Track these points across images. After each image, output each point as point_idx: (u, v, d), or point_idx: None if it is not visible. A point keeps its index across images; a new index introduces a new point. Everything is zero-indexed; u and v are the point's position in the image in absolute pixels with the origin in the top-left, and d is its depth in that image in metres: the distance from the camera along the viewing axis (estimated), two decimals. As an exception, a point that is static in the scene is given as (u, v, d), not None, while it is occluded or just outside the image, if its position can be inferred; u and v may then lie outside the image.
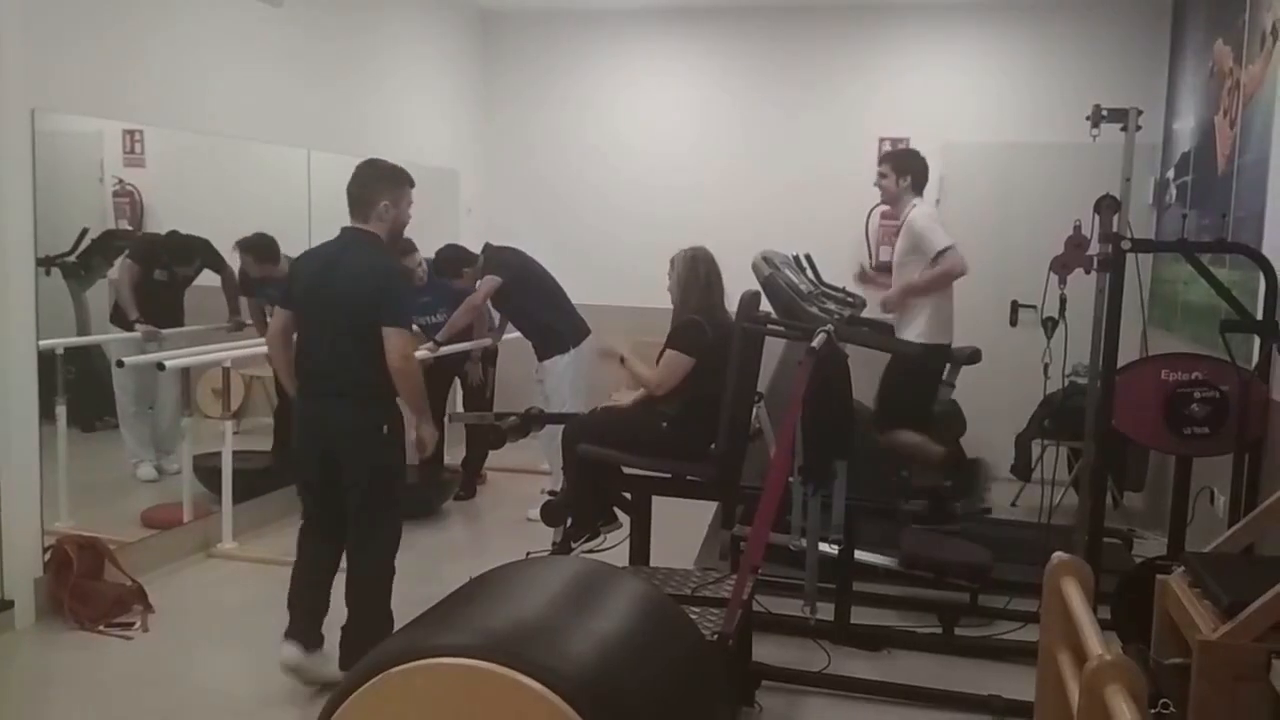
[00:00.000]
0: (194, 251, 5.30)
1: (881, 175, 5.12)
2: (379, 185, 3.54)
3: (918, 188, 5.08)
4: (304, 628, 3.57)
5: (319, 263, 3.56)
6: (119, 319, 5.08)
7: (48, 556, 4.14)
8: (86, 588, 4.09)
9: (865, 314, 5.52)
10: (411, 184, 3.65)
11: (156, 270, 5.17)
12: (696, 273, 4.11)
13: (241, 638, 4.03)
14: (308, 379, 3.55)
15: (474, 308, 5.71)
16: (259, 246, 5.33)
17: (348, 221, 3.58)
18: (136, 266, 5.09)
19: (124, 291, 5.06)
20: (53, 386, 4.47)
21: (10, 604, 3.97)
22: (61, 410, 4.56)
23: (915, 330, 4.95)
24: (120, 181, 5.07)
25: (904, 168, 5.06)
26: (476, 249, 5.90)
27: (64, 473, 4.51)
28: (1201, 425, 3.72)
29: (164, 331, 5.12)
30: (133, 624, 4.06)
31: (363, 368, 3.42)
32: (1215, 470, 3.94)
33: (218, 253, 5.38)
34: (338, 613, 3.61)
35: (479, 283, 5.66)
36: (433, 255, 5.84)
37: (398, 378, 3.40)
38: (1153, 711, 2.29)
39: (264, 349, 5.30)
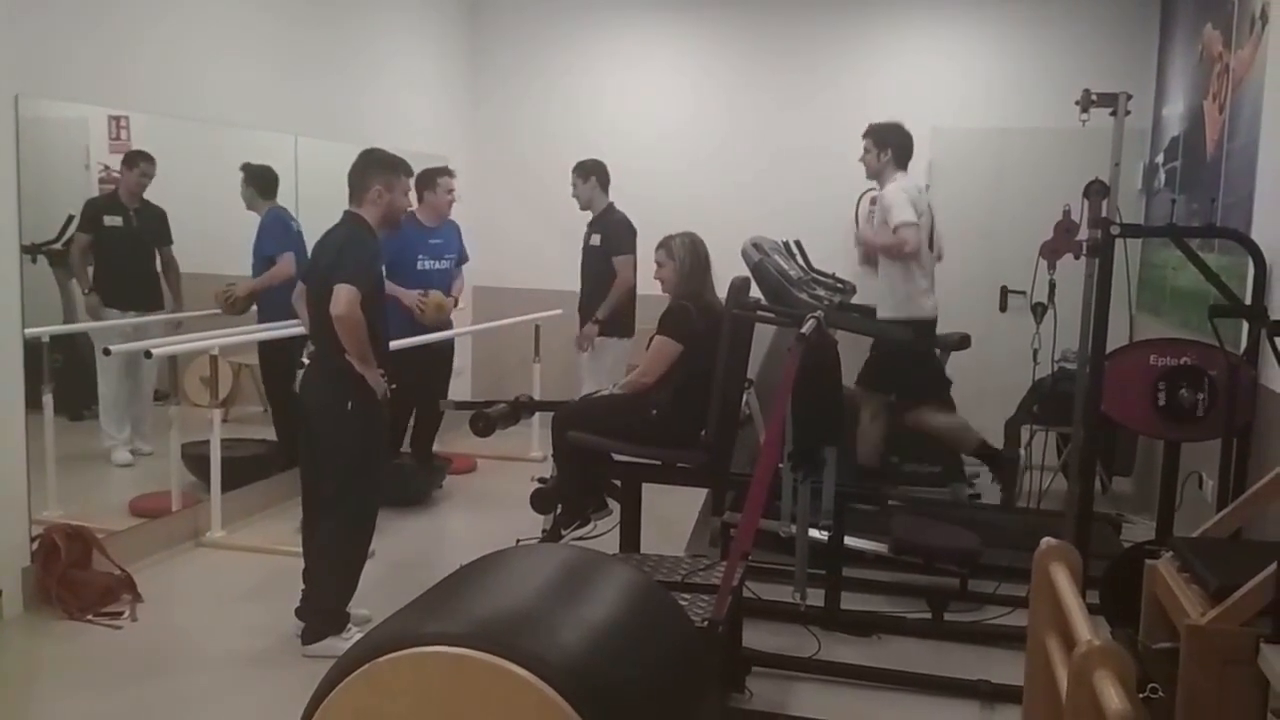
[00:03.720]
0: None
1: (865, 149, 5.13)
2: (374, 172, 3.77)
3: (900, 162, 5.10)
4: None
5: (317, 245, 3.81)
6: (104, 296, 4.95)
7: (35, 546, 4.12)
8: (75, 577, 4.07)
9: (855, 299, 5.54)
10: (409, 174, 3.89)
11: (106, 216, 4.92)
12: (699, 260, 4.10)
13: (231, 627, 4.02)
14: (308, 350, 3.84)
15: (629, 288, 5.79)
16: None
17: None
18: (85, 235, 4.77)
19: (76, 260, 4.73)
20: (39, 375, 4.44)
21: (-2, 593, 3.96)
22: (48, 399, 4.54)
23: (891, 305, 5.05)
24: (106, 168, 5.02)
25: (885, 141, 5.08)
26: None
27: (51, 461, 4.49)
28: (1190, 410, 3.73)
29: (141, 319, 5.02)
30: (121, 613, 4.05)
31: (334, 339, 3.60)
32: (1203, 455, 3.95)
33: (169, 229, 5.15)
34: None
35: (617, 261, 5.75)
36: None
37: (337, 325, 3.55)
38: (1141, 696, 2.30)
39: (252, 336, 5.33)
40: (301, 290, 3.89)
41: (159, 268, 5.17)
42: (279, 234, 5.40)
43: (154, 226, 5.12)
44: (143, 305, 5.12)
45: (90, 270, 4.86)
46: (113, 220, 4.94)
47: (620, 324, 5.82)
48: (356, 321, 3.55)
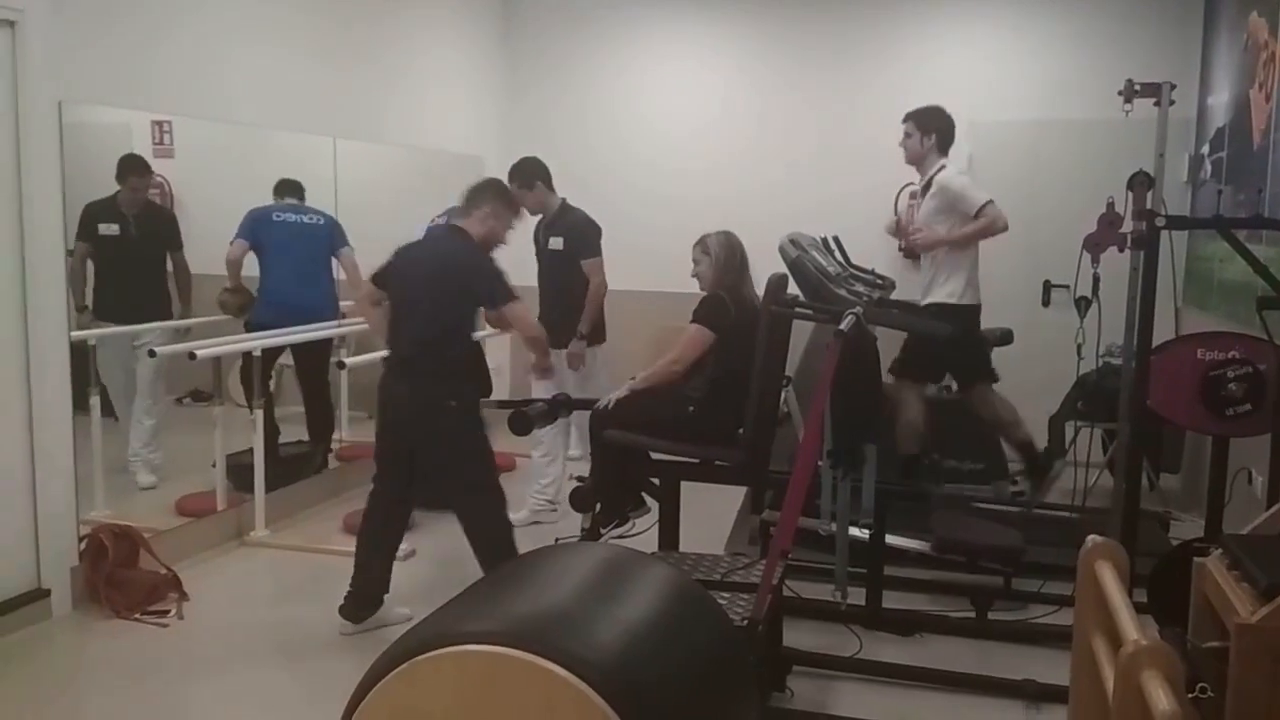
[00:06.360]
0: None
1: (905, 134, 4.99)
2: (493, 196, 3.97)
3: (943, 147, 4.96)
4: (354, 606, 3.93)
5: (413, 254, 3.95)
6: (103, 310, 4.81)
7: (83, 545, 4.18)
8: (122, 576, 4.14)
9: (895, 295, 5.48)
10: (518, 215, 4.16)
11: (101, 225, 4.67)
12: (734, 256, 4.09)
13: (275, 625, 4.06)
14: (394, 359, 3.88)
15: (604, 293, 5.28)
16: None
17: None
18: (84, 244, 4.55)
19: (75, 271, 4.41)
20: (85, 377, 4.51)
21: (47, 593, 4.03)
22: (95, 400, 4.61)
23: (949, 289, 4.88)
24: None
25: (928, 125, 4.93)
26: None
27: (99, 462, 4.56)
28: (1239, 405, 3.65)
29: (137, 328, 4.94)
30: (168, 612, 4.11)
31: (447, 349, 3.77)
32: (1253, 450, 3.88)
33: (178, 233, 5.03)
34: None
35: (586, 266, 5.21)
36: None
37: (532, 345, 4.15)
38: (1190, 695, 2.25)
39: (288, 339, 5.34)
40: (370, 292, 3.97)
41: (170, 271, 5.03)
42: (242, 223, 5.23)
43: (159, 232, 5.00)
44: (141, 320, 4.93)
45: (91, 281, 4.66)
46: (109, 229, 4.71)
47: (597, 331, 5.35)
48: (542, 331, 4.15)
